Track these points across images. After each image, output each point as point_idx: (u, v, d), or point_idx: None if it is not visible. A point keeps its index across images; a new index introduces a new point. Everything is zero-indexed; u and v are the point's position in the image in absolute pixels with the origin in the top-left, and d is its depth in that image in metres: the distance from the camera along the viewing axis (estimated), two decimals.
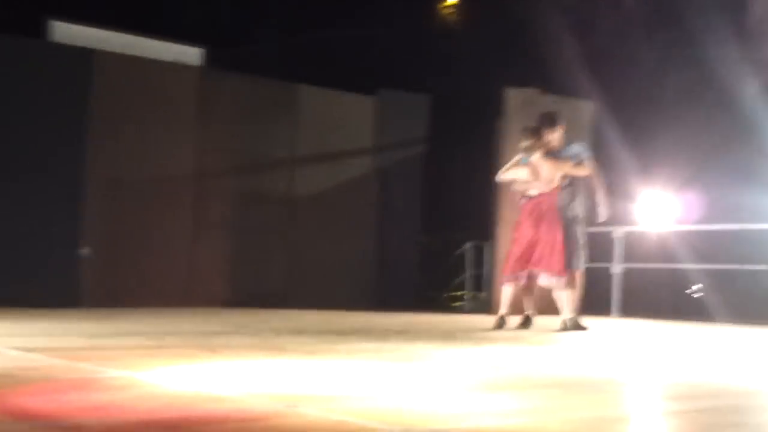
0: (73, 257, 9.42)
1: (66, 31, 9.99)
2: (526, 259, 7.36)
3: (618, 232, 10.95)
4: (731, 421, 3.13)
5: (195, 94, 10.41)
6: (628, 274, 10.85)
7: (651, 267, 10.82)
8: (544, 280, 7.34)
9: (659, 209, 10.88)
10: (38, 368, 4.10)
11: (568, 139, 7.71)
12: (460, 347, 5.79)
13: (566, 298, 7.36)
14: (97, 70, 9.69)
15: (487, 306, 10.26)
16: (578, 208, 7.53)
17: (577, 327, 7.38)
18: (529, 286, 7.53)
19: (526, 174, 7.41)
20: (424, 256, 11.84)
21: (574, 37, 15.08)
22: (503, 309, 7.48)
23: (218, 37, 10.92)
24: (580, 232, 7.54)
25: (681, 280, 10.74)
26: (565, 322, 7.36)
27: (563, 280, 7.28)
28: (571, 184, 7.50)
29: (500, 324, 7.41)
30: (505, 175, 7.68)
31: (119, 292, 9.53)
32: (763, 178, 11.47)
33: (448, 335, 6.83)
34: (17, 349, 4.79)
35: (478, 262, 11.71)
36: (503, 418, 3.02)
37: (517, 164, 7.57)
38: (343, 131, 11.50)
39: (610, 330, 8.48)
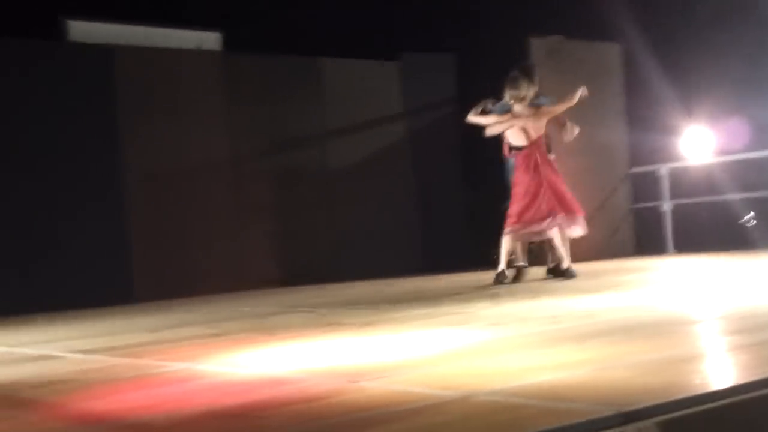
0: (120, 255, 9.51)
1: (83, 30, 10.01)
2: (524, 211, 7.31)
3: (663, 169, 10.80)
4: None
5: (219, 79, 10.41)
6: (677, 211, 10.72)
7: (700, 201, 10.66)
8: (572, 228, 7.36)
9: (703, 142, 10.70)
10: (102, 369, 4.14)
11: (547, 90, 7.93)
12: (515, 303, 5.75)
13: (561, 244, 7.35)
14: (119, 66, 9.72)
15: (540, 257, 10.22)
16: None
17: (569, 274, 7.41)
18: (533, 239, 7.53)
19: (504, 124, 7.34)
20: (470, 214, 11.76)
21: None
22: (501, 264, 7.42)
23: (234, 19, 10.85)
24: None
25: (731, 211, 10.56)
26: (568, 270, 7.35)
27: (583, 219, 7.38)
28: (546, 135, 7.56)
29: (500, 279, 7.36)
30: (476, 119, 7.56)
31: (171, 283, 9.60)
32: None
33: (502, 292, 6.78)
34: (80, 351, 4.85)
35: None
36: (566, 370, 2.98)
37: (486, 111, 7.50)
38: (370, 100, 11.44)
39: (666, 268, 8.39)
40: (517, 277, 7.55)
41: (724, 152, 10.61)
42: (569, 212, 7.37)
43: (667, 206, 10.71)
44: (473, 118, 7.63)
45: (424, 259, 11.21)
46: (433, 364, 3.40)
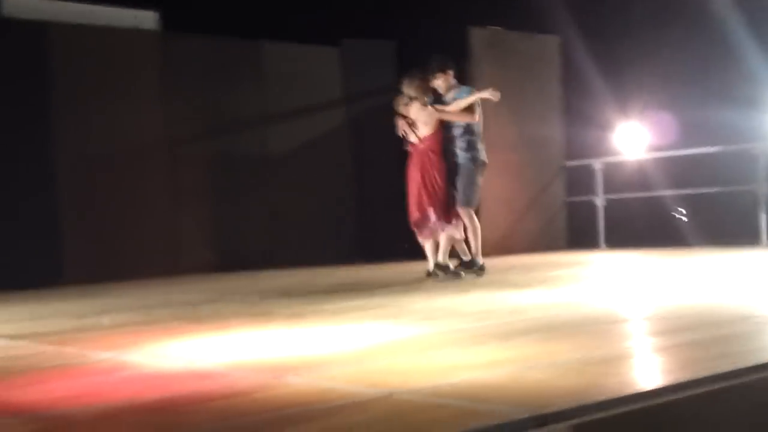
0: (50, 237, 9.35)
1: (17, 4, 9.77)
2: (415, 207, 7.23)
3: (597, 163, 10.97)
4: (716, 353, 3.15)
5: (156, 60, 10.25)
6: (610, 206, 10.89)
7: (632, 196, 10.85)
8: (434, 225, 7.19)
9: (637, 138, 10.89)
10: (25, 357, 4.08)
11: (487, 81, 7.71)
12: (446, 297, 5.80)
13: (446, 243, 7.22)
14: (53, 44, 9.51)
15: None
16: (475, 152, 7.28)
17: (469, 266, 7.27)
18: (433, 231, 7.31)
19: (405, 123, 7.32)
20: (407, 204, 11.78)
21: None
22: (430, 261, 7.33)
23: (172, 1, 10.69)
24: (478, 173, 7.30)
25: (662, 207, 10.78)
26: (441, 267, 7.19)
27: (447, 225, 7.16)
28: (467, 130, 7.24)
29: (432, 275, 7.25)
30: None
31: (102, 267, 9.48)
32: (740, 97, 11.47)
33: (434, 285, 6.83)
34: (4, 337, 4.76)
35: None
36: (488, 369, 3.02)
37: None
38: (310, 85, 11.39)
39: (597, 264, 8.53)
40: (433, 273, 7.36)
41: (656, 148, 10.82)
42: (440, 216, 7.16)
43: (600, 201, 10.89)
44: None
45: (362, 247, 11.24)
46: (359, 359, 3.42)
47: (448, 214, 7.19)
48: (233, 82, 10.72)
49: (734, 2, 14.59)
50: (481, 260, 7.32)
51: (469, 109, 7.22)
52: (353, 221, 11.49)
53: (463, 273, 7.21)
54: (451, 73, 7.38)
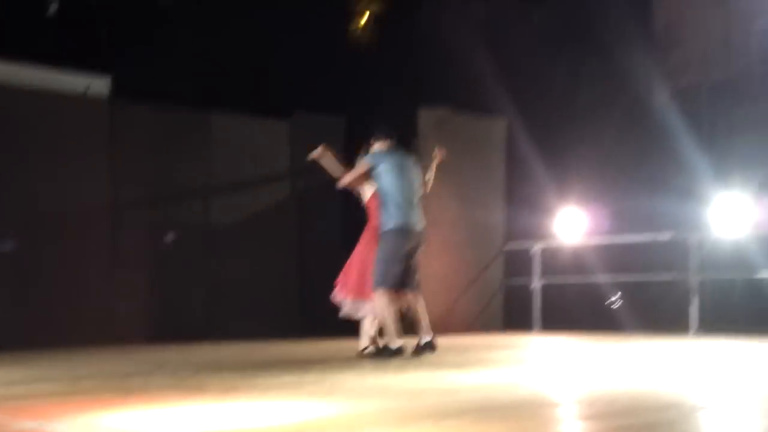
0: None
1: None
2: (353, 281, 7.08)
3: (536, 247, 11.13)
4: None
5: (105, 126, 10.24)
6: (547, 289, 11.02)
7: (569, 281, 11.01)
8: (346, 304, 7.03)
9: (576, 223, 11.09)
10: None
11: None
12: (381, 376, 5.79)
13: (368, 324, 7.06)
14: (2, 107, 9.47)
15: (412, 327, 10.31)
16: (384, 219, 6.96)
17: (381, 353, 6.94)
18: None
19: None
20: None
21: (485, 54, 15.31)
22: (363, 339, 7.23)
23: (125, 65, 10.74)
24: (387, 245, 6.91)
25: (598, 292, 10.95)
26: (365, 350, 7.04)
27: (363, 303, 7.00)
28: (379, 196, 7.01)
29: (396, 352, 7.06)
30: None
31: (35, 333, 9.28)
32: (676, 187, 11.78)
33: (370, 363, 6.81)
34: None
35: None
36: None
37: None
38: (259, 157, 11.44)
39: (532, 346, 8.59)
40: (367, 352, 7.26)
41: (594, 234, 11.03)
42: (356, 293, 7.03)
43: (537, 284, 11.01)
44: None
45: (302, 321, 11.18)
46: None
47: (365, 292, 7.00)
48: (181, 151, 10.73)
49: (671, 96, 15.11)
50: (397, 343, 6.89)
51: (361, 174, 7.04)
52: (295, 296, 11.44)
53: (392, 351, 6.87)
54: (378, 142, 7.25)
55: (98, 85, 10.71)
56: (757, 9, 18.09)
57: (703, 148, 13.74)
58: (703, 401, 4.42)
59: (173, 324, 10.31)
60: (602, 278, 10.75)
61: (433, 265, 10.11)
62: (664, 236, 10.17)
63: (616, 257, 10.77)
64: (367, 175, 7.08)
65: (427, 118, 10.85)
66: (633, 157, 13.12)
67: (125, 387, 5.30)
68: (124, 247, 10.22)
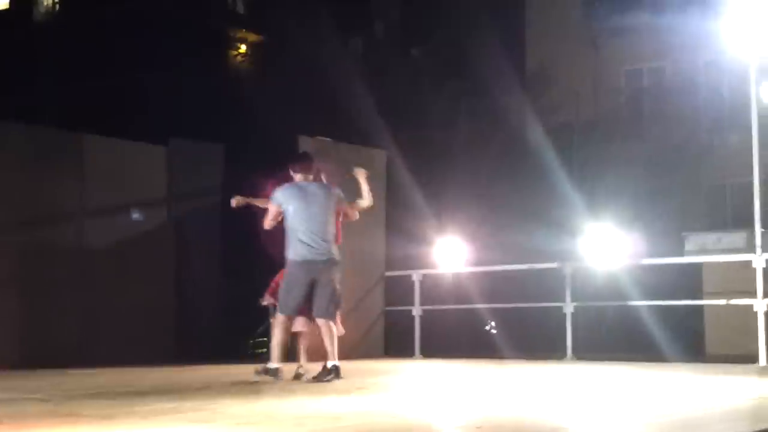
0: None
1: None
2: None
3: (415, 275, 11.24)
4: None
5: None
6: (426, 316, 11.13)
7: (449, 308, 11.16)
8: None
9: (454, 252, 11.26)
10: None
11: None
12: (263, 401, 5.70)
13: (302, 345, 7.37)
14: None
15: (293, 353, 10.24)
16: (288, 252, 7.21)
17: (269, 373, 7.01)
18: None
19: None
20: (228, 304, 11.61)
21: (364, 87, 15.52)
22: (301, 359, 7.48)
23: None
24: (290, 276, 7.18)
25: (476, 319, 11.14)
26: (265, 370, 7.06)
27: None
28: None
29: (297, 376, 7.29)
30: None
31: None
32: (550, 219, 12.16)
33: (252, 388, 6.70)
34: None
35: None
36: None
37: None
38: (134, 181, 11.15)
39: (413, 372, 8.64)
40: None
41: (472, 263, 11.23)
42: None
43: (416, 311, 11.11)
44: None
45: (179, 347, 10.90)
46: None
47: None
48: (52, 173, 10.36)
49: (545, 133, 15.63)
50: (275, 365, 7.02)
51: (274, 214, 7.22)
52: (172, 321, 11.17)
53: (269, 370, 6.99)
54: (295, 174, 7.36)
55: None
56: (624, 53, 19.01)
57: (575, 182, 14.27)
58: (583, 426, 4.53)
59: (44, 350, 9.86)
60: (481, 306, 10.94)
61: None
62: (540, 266, 10.44)
63: (494, 286, 11.00)
64: (280, 211, 7.20)
65: (306, 146, 10.83)
66: (509, 190, 13.48)
67: None
68: None
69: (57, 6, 25.37)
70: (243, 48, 25.19)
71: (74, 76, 19.29)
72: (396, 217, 11.59)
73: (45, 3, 25.47)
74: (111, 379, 7.79)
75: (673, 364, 8.86)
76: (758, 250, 8.65)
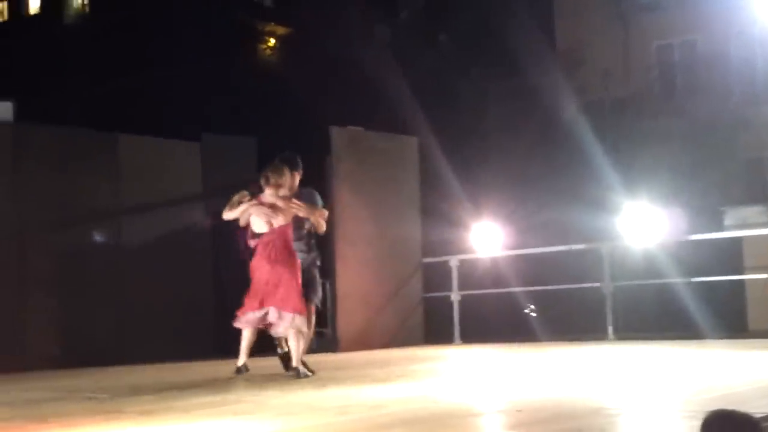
0: None
1: None
2: (262, 298, 7.04)
3: (453, 261, 11.20)
4: None
5: (7, 149, 9.93)
6: (465, 301, 11.09)
7: (487, 293, 11.10)
8: (283, 319, 6.95)
9: (491, 236, 11.19)
10: None
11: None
12: (304, 392, 5.72)
13: (299, 343, 6.94)
14: None
15: (333, 344, 10.25)
16: (316, 254, 7.58)
17: (305, 374, 6.80)
18: (268, 325, 7.08)
19: (257, 211, 7.26)
20: None
21: (393, 75, 15.49)
22: (242, 356, 7.16)
23: (28, 89, 10.46)
24: (318, 272, 7.60)
25: (515, 302, 11.07)
26: (297, 370, 6.85)
27: (303, 318, 6.96)
28: (309, 232, 7.40)
29: (239, 371, 7.04)
30: (232, 213, 7.32)
31: None
32: (586, 198, 12.05)
33: (291, 380, 6.71)
34: None
35: (322, 299, 11.62)
36: None
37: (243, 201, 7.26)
38: (169, 178, 11.23)
39: (453, 358, 8.62)
40: (286, 366, 7.14)
41: (509, 247, 11.16)
42: (291, 310, 6.93)
43: (455, 296, 11.08)
44: (228, 214, 7.36)
45: (218, 342, 10.96)
46: None
47: (299, 305, 6.96)
48: (88, 173, 10.46)
49: (581, 110, 15.47)
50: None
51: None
52: (210, 317, 11.23)
53: (302, 373, 6.80)
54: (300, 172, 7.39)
55: (2, 110, 10.39)
56: (654, 28, 18.77)
57: (610, 160, 14.12)
58: (625, 406, 4.48)
59: (84, 348, 9.98)
60: (519, 289, 10.88)
61: (352, 281, 10.06)
62: (578, 247, 10.35)
63: (531, 268, 10.92)
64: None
65: (339, 135, 10.83)
66: (544, 170, 13.37)
67: (40, 414, 5.11)
68: (31, 271, 9.89)
69: (86, 7, 25.64)
70: (272, 41, 25.28)
71: (105, 76, 19.55)
72: (431, 202, 11.55)
73: (74, 5, 25.75)
74: (150, 376, 7.86)
75: (715, 341, 8.73)
76: None
